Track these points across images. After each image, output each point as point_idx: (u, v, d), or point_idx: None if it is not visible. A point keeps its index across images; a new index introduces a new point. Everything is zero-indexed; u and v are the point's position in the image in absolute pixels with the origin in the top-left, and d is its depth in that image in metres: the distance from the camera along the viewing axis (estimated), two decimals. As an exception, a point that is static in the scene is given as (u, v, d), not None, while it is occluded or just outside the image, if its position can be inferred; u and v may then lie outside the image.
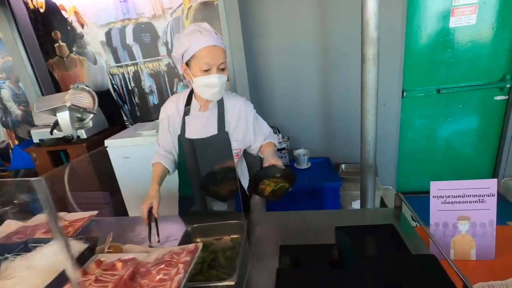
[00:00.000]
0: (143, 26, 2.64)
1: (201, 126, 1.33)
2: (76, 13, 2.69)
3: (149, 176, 1.38)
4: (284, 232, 1.24)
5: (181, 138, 1.35)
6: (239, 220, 1.23)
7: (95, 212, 1.57)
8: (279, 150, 2.76)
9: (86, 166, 2.51)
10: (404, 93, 2.68)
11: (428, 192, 1.07)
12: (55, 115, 2.36)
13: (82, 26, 2.73)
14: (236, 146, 1.37)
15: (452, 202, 1.05)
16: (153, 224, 1.21)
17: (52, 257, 0.83)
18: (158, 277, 0.72)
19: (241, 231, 1.17)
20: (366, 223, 1.21)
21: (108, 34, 2.72)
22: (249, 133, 1.39)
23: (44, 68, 2.89)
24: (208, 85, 1.20)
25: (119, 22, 2.66)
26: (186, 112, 1.35)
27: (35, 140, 2.56)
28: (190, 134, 1.34)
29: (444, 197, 1.05)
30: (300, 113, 2.81)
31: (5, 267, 0.86)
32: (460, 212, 1.05)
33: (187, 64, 1.22)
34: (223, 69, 1.21)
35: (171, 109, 1.38)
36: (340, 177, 2.65)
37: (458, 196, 1.04)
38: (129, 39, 2.71)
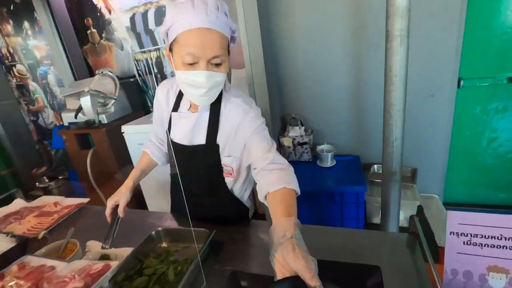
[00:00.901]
0: (163, 9, 2.57)
1: (188, 130, 1.03)
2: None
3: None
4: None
5: (168, 135, 1.13)
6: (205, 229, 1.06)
7: (86, 200, 1.55)
8: (301, 144, 2.49)
9: (106, 151, 2.59)
10: (461, 82, 2.14)
11: (483, 206, 0.75)
12: (79, 100, 2.46)
13: (110, 12, 2.77)
14: (228, 162, 1.04)
15: (481, 244, 0.71)
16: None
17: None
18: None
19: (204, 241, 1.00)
20: (356, 253, 0.93)
21: (132, 20, 2.71)
22: (247, 149, 0.99)
23: (79, 54, 3.05)
24: (191, 84, 0.87)
25: (142, 6, 2.62)
26: (174, 107, 1.08)
27: (65, 123, 2.73)
28: (175, 136, 1.08)
29: (469, 235, 0.72)
30: (326, 103, 2.47)
31: None
32: (492, 261, 0.71)
33: (170, 48, 0.89)
34: (218, 64, 0.86)
35: (160, 97, 1.13)
36: (367, 180, 2.28)
37: (492, 236, 0.70)
38: (151, 24, 2.67)
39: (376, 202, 2.21)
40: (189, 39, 0.80)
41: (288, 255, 0.61)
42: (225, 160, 1.04)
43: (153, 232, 1.10)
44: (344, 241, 1.01)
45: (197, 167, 1.07)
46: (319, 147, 2.48)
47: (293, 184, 0.87)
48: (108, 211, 1.09)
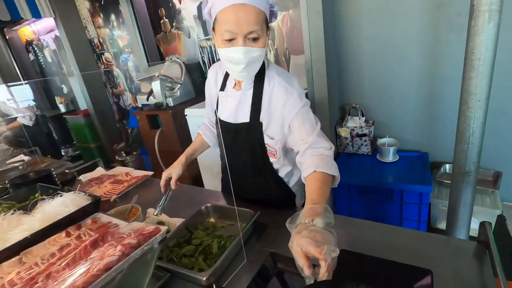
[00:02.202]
0: (228, -4, 2.63)
1: (232, 109, 1.07)
2: (175, -11, 2.92)
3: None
4: None
5: (216, 114, 1.18)
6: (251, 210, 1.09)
7: (150, 173, 1.74)
8: (359, 136, 2.33)
9: (171, 131, 2.83)
10: None
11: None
12: (151, 84, 2.72)
13: (180, 1, 2.95)
14: (271, 144, 1.05)
15: None
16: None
17: (56, 207, 0.94)
18: (95, 254, 0.69)
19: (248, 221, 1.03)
20: (411, 254, 0.85)
21: (199, 8, 2.85)
22: (289, 131, 0.99)
23: (153, 43, 3.35)
24: (230, 61, 0.89)
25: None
26: (222, 87, 1.13)
27: (139, 105, 3.06)
28: (221, 114, 1.11)
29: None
30: (392, 93, 2.24)
31: (40, 205, 1.04)
32: None
33: (214, 28, 0.91)
34: (255, 39, 0.85)
35: (210, 79, 1.20)
36: (434, 180, 2.03)
37: None
38: (216, 12, 2.76)
39: (444, 205, 1.96)
40: (225, 16, 0.82)
41: (294, 237, 0.65)
42: (268, 141, 1.05)
43: (203, 207, 1.18)
44: (400, 241, 0.93)
45: (241, 145, 1.10)
46: (381, 140, 2.29)
47: (326, 168, 0.86)
48: (162, 182, 1.19)
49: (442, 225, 2.03)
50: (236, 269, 0.89)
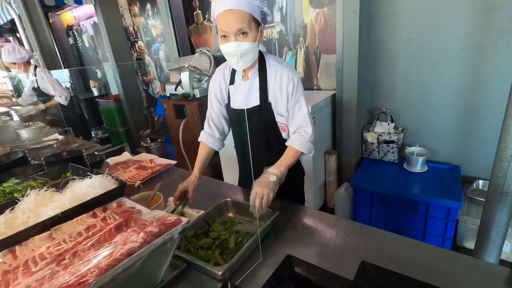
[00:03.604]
0: (262, -9, 2.60)
1: (244, 96, 1.24)
2: (210, -18, 2.93)
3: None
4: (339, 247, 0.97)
5: (228, 107, 1.31)
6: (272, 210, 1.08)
7: (174, 162, 1.79)
8: (387, 142, 2.25)
9: (196, 122, 2.88)
10: None
11: None
12: (180, 75, 2.77)
13: (214, -6, 2.97)
14: (283, 120, 1.23)
15: None
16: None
17: (85, 188, 0.98)
18: (118, 238, 0.71)
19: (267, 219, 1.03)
20: (435, 274, 0.80)
21: (232, 1, 2.85)
22: (289, 110, 1.21)
23: (185, 34, 3.40)
24: (227, 54, 1.09)
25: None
26: (231, 81, 1.28)
27: (167, 94, 3.13)
28: (234, 104, 1.27)
29: None
30: (426, 101, 2.13)
31: (70, 184, 1.09)
32: None
33: (217, 31, 1.10)
34: (244, 33, 1.04)
35: (217, 78, 1.32)
36: (465, 196, 1.92)
37: None
38: (249, 6, 2.75)
39: (473, 224, 1.85)
40: (219, 19, 1.03)
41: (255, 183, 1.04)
42: (278, 118, 1.23)
43: (222, 201, 1.19)
44: (423, 257, 0.88)
45: (255, 126, 1.25)
46: (409, 149, 2.19)
47: (299, 146, 1.17)
48: (177, 194, 1.18)
49: (469, 244, 1.92)
50: (251, 267, 0.89)
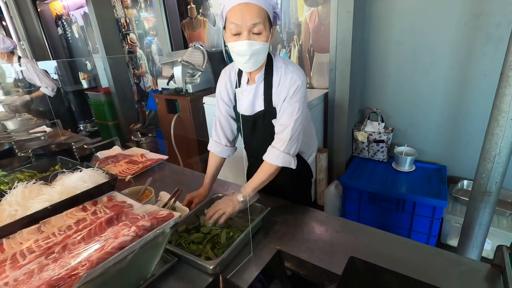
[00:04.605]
0: (257, -13, 2.59)
1: (249, 101, 1.17)
2: (205, -24, 2.90)
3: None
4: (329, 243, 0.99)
5: (236, 110, 1.25)
6: (261, 205, 1.10)
7: (165, 157, 1.77)
8: (377, 141, 2.29)
9: (188, 117, 2.86)
10: None
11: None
12: (173, 69, 2.74)
13: (209, -12, 2.94)
14: None
15: None
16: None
17: (75, 181, 0.97)
18: (109, 231, 0.71)
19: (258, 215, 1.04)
20: (420, 270, 0.83)
21: (227, -4, 2.83)
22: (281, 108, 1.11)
23: (178, 28, 3.36)
24: (238, 53, 1.00)
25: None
26: (237, 84, 1.21)
27: (159, 88, 3.09)
28: (240, 108, 1.21)
29: None
30: (416, 102, 2.18)
31: (59, 177, 1.07)
32: None
33: (225, 27, 1.02)
34: (258, 33, 0.97)
35: (223, 80, 1.26)
36: (449, 195, 1.98)
37: None
38: (244, 1, 2.73)
39: (457, 222, 1.91)
40: (232, 13, 0.95)
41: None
42: None
43: (214, 196, 1.20)
44: (409, 253, 0.91)
45: (261, 132, 1.19)
46: (398, 148, 2.24)
47: (271, 159, 1.10)
48: (184, 203, 1.19)
49: (453, 242, 1.99)
50: (242, 262, 0.90)
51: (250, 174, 1.42)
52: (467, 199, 1.68)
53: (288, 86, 1.06)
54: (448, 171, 2.14)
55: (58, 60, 4.86)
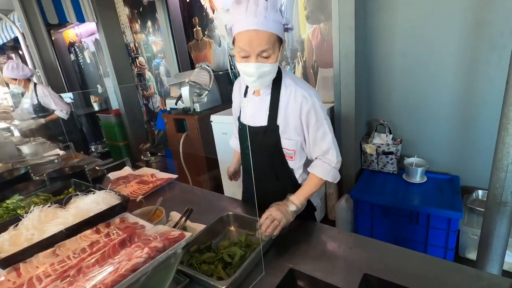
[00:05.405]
0: (260, 8, 2.69)
1: (253, 112, 1.18)
2: (210, 0, 3.03)
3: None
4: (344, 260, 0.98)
5: (239, 120, 1.28)
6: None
7: (175, 176, 1.79)
8: (386, 153, 2.27)
9: (196, 136, 2.90)
10: None
11: None
12: (180, 89, 2.82)
13: (213, 11, 3.06)
14: (289, 146, 1.15)
15: None
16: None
17: (89, 204, 0.99)
18: (122, 253, 0.72)
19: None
20: (438, 287, 0.81)
21: (231, 18, 2.93)
22: (307, 137, 1.13)
23: (185, 49, 3.48)
24: (245, 74, 1.02)
25: None
26: (245, 93, 1.24)
27: (168, 108, 3.17)
28: (244, 118, 1.23)
29: None
30: (423, 112, 2.17)
31: (73, 200, 1.10)
32: None
33: (233, 43, 1.03)
34: (267, 57, 0.97)
35: (235, 88, 1.33)
36: (465, 207, 1.93)
37: None
38: (248, 22, 2.83)
39: (475, 234, 1.85)
40: (241, 38, 0.96)
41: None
42: (285, 143, 1.14)
43: (224, 215, 1.20)
44: (426, 269, 0.88)
45: (259, 148, 1.17)
46: (408, 160, 2.21)
47: (322, 174, 1.12)
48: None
49: (472, 255, 1.91)
50: (254, 281, 0.89)
51: (246, 189, 1.46)
52: (483, 210, 1.64)
53: (300, 106, 1.06)
54: (461, 181, 2.09)
55: (74, 92, 5.09)
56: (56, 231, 0.86)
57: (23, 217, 0.97)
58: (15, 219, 0.97)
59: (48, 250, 0.83)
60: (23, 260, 0.80)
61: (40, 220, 0.95)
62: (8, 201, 1.18)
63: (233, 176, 1.52)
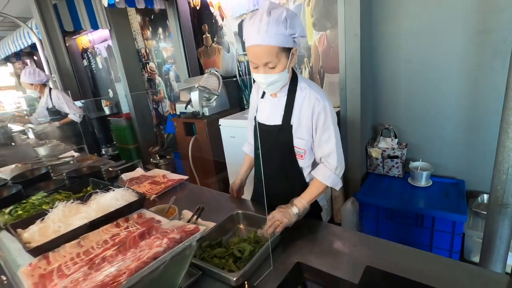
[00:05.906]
0: (268, 16, 2.77)
1: (269, 112, 1.27)
2: (219, 7, 3.13)
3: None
4: (348, 256, 1.03)
5: (255, 120, 1.34)
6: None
7: (185, 177, 1.86)
8: (391, 157, 2.31)
9: (205, 139, 2.98)
10: None
11: None
12: (190, 94, 2.91)
13: (222, 19, 3.16)
14: (301, 145, 1.22)
15: None
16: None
17: (109, 200, 1.07)
18: (143, 244, 0.78)
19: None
20: (439, 282, 0.85)
21: (240, 25, 3.03)
22: (315, 137, 1.20)
23: (195, 56, 3.58)
24: (257, 81, 1.16)
25: (250, 13, 2.89)
26: (262, 95, 1.34)
27: (178, 112, 3.26)
28: (260, 118, 1.30)
29: None
30: (428, 116, 2.21)
31: (94, 197, 1.17)
32: None
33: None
34: (272, 67, 1.07)
35: (254, 90, 1.42)
36: (469, 210, 1.95)
37: None
38: (256, 29, 2.92)
39: (479, 237, 1.86)
40: (249, 52, 1.08)
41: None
42: (297, 142, 1.22)
43: (234, 213, 1.26)
44: (428, 266, 0.92)
45: (272, 146, 1.26)
46: (413, 164, 2.24)
47: (323, 179, 1.19)
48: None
49: (477, 258, 1.92)
50: (263, 275, 0.95)
51: (257, 187, 1.54)
52: (485, 213, 1.68)
53: (312, 108, 1.15)
54: (466, 185, 2.11)
55: (87, 100, 5.26)
56: (81, 224, 0.93)
57: (48, 212, 1.05)
58: (42, 214, 1.05)
59: (73, 241, 0.90)
60: (51, 250, 0.87)
61: (65, 215, 1.02)
62: (33, 198, 1.26)
63: (236, 193, 1.52)
